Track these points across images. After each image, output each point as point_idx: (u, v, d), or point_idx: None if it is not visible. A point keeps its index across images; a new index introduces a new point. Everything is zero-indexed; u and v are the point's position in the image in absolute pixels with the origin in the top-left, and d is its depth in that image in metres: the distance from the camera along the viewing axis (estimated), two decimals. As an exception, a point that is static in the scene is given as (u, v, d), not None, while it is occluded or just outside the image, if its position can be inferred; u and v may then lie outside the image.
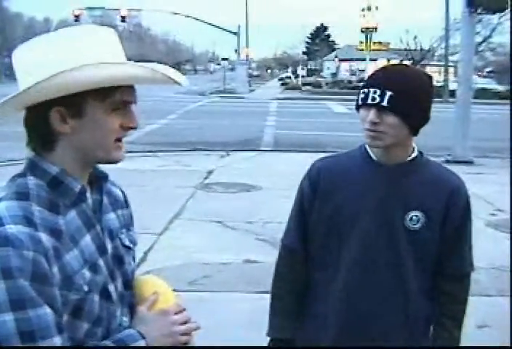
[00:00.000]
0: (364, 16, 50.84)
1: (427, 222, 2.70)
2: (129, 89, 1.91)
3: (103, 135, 1.89)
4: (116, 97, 1.86)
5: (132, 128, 1.95)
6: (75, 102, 1.83)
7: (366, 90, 2.61)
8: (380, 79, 2.64)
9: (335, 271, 2.80)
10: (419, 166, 2.77)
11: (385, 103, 2.55)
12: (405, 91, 2.56)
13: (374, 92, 2.57)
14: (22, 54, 1.88)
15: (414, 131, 2.66)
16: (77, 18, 55.03)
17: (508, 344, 5.03)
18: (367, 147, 2.78)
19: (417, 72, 2.76)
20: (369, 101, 2.58)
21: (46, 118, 1.85)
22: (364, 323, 2.77)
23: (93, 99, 1.84)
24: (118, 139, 1.94)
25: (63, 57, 1.81)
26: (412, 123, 2.61)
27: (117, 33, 1.96)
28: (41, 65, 1.82)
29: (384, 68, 2.77)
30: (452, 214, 2.74)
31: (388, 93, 2.55)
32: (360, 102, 2.64)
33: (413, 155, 2.76)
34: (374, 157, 2.76)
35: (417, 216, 2.70)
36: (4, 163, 14.06)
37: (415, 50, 59.04)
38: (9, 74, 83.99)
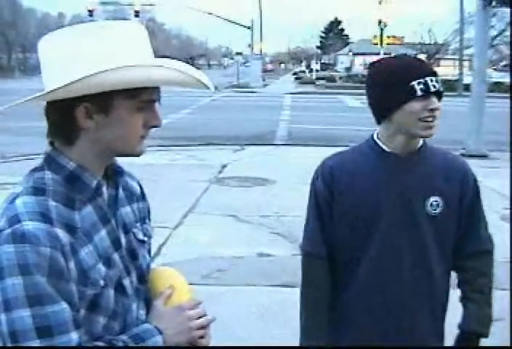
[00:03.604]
0: (378, 10, 50.64)
1: (446, 205, 2.76)
2: (155, 87, 1.91)
3: (127, 133, 1.90)
4: (143, 96, 1.87)
5: (155, 126, 1.96)
6: (103, 99, 1.83)
7: (422, 80, 2.62)
8: (425, 68, 2.70)
9: (358, 264, 2.81)
10: (429, 153, 2.82)
11: (441, 89, 2.66)
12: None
13: (431, 80, 2.63)
14: (50, 46, 1.86)
15: None
16: (91, 13, 55.11)
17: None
18: (376, 138, 2.81)
19: None
20: (432, 89, 2.63)
21: (71, 113, 1.85)
22: (391, 308, 2.80)
23: (121, 98, 1.84)
24: (143, 137, 1.95)
25: (96, 52, 1.80)
26: None
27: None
28: (74, 60, 1.81)
29: (409, 58, 2.82)
30: (466, 193, 2.82)
31: (439, 79, 2.66)
32: (421, 93, 2.63)
33: (420, 143, 2.81)
34: (386, 148, 2.78)
35: (436, 201, 2.75)
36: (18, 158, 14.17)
37: (429, 44, 58.83)
38: (23, 70, 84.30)
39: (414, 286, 2.78)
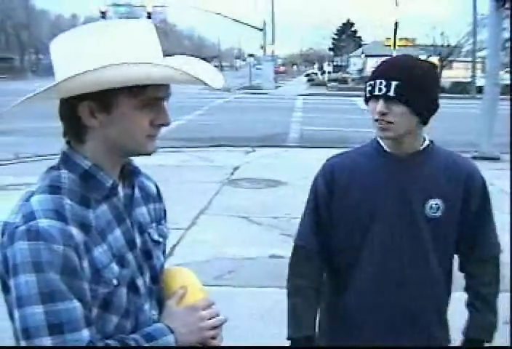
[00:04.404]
0: (393, 11, 50.48)
1: (447, 209, 2.72)
2: (162, 85, 1.89)
3: (132, 131, 1.89)
4: (147, 93, 1.86)
5: (163, 125, 1.94)
6: (105, 97, 1.83)
7: (372, 82, 2.64)
8: (385, 70, 2.66)
9: (358, 264, 2.81)
10: (432, 155, 2.79)
11: (391, 93, 2.58)
12: (410, 80, 2.59)
13: (380, 83, 2.60)
14: (59, 45, 1.88)
15: (424, 120, 2.69)
16: (103, 15, 55.23)
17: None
18: (379, 139, 2.81)
19: (420, 61, 2.77)
20: (376, 92, 2.61)
21: (76, 112, 1.86)
22: (389, 312, 2.79)
23: (124, 95, 1.84)
24: (150, 136, 1.93)
25: (100, 50, 1.81)
26: (420, 111, 2.63)
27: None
28: (77, 58, 1.82)
29: (388, 60, 2.79)
30: (471, 197, 2.77)
31: (394, 83, 2.58)
32: (368, 95, 2.67)
33: (425, 144, 2.78)
34: (387, 149, 2.78)
35: (436, 204, 2.72)
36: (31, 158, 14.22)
37: (442, 46, 58.62)
38: (36, 71, 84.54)
39: (414, 287, 2.77)
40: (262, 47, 60.74)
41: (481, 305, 2.85)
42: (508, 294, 6.01)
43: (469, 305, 2.89)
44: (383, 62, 2.77)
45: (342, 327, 2.93)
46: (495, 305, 2.88)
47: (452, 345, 2.96)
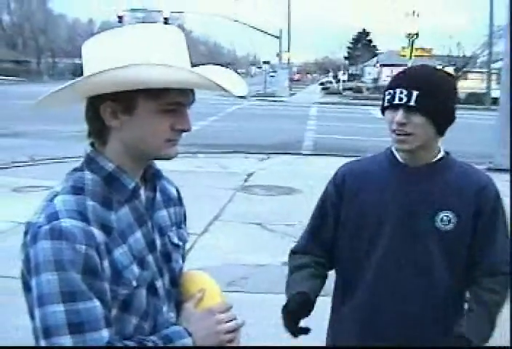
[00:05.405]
0: (406, 21, 50.43)
1: (458, 221, 2.65)
2: (185, 90, 1.91)
3: (152, 134, 1.91)
4: (168, 97, 1.88)
5: (183, 130, 1.96)
6: (126, 99, 1.86)
7: (392, 91, 2.60)
8: (406, 79, 2.62)
9: (363, 272, 2.77)
10: (445, 167, 2.74)
11: (412, 103, 2.54)
12: (431, 91, 2.55)
13: (401, 92, 2.56)
14: (89, 47, 1.92)
15: (441, 131, 2.65)
16: (120, 20, 55.39)
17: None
18: (393, 149, 2.78)
19: (440, 72, 2.75)
20: (396, 101, 2.57)
21: (97, 112, 1.90)
22: (389, 324, 2.74)
23: (144, 98, 1.87)
24: (170, 140, 1.95)
25: (124, 53, 1.84)
26: (439, 122, 2.61)
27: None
28: (103, 60, 1.85)
29: (408, 69, 2.77)
30: (481, 211, 2.68)
31: (415, 93, 2.54)
32: (386, 104, 2.62)
33: (439, 156, 2.74)
34: (400, 159, 2.75)
35: (447, 216, 2.65)
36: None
37: (458, 57, 58.51)
38: (52, 74, 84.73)
39: (416, 298, 2.70)
40: (277, 55, 60.78)
41: (481, 309, 2.68)
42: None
43: (467, 309, 2.73)
44: (403, 71, 2.74)
45: (337, 332, 2.96)
46: (495, 315, 2.72)
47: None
